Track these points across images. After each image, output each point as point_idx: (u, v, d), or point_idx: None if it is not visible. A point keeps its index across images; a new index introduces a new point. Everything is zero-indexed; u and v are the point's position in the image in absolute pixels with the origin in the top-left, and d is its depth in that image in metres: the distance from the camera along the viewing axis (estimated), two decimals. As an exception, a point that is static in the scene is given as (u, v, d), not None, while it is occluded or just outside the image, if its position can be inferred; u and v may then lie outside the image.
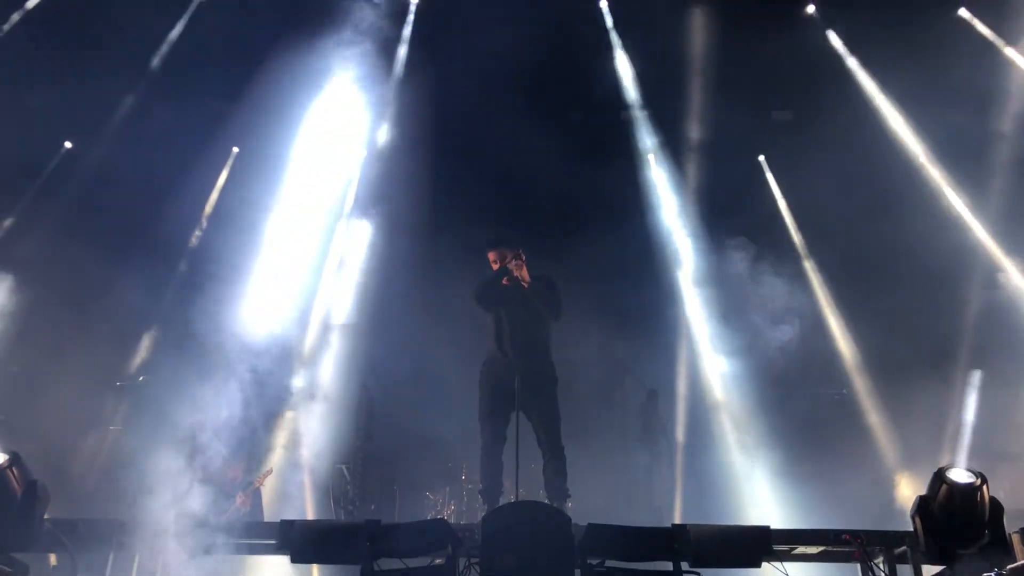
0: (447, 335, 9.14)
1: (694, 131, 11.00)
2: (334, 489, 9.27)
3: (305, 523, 5.01)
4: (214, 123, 10.42)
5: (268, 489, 8.36)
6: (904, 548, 4.99)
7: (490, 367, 6.46)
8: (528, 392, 6.15)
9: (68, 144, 11.05)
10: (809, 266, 11.72)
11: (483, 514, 5.10)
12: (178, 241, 11.07)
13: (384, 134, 10.88)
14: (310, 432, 9.24)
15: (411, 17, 11.06)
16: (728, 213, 11.02)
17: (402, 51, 10.97)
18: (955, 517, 4.50)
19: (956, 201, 10.40)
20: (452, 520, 8.82)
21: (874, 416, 10.26)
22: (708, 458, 10.01)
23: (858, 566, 5.01)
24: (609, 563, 4.71)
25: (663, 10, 10.11)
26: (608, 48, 11.43)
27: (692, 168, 11.15)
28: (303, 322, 10.19)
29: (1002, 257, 10.11)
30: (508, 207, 10.90)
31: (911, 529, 4.73)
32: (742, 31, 10.11)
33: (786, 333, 9.67)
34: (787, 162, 11.39)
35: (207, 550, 4.92)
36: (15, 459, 4.59)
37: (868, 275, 10.66)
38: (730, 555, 4.83)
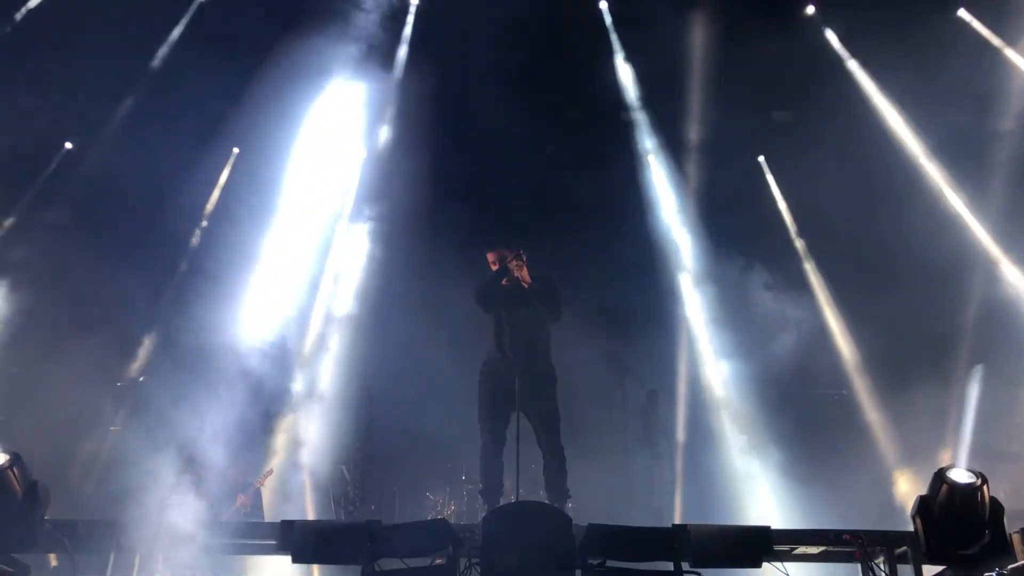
0: (447, 335, 9.14)
1: (694, 131, 11.00)
2: (334, 489, 9.26)
3: (306, 523, 5.01)
4: (214, 123, 10.42)
5: (268, 489, 8.36)
6: (905, 548, 5.00)
7: (490, 367, 6.47)
8: (528, 392, 6.16)
9: (68, 144, 11.06)
10: (809, 267, 11.73)
11: (483, 514, 5.10)
12: (178, 241, 11.07)
13: (384, 134, 10.88)
14: (310, 433, 9.24)
15: (411, 17, 11.06)
16: (728, 213, 11.02)
17: (402, 51, 10.97)
18: (955, 517, 4.50)
19: (956, 201, 10.41)
20: (453, 520, 8.82)
21: (874, 416, 10.26)
22: (708, 458, 10.01)
23: (859, 566, 5.01)
24: (610, 563, 4.71)
25: (663, 11, 10.10)
26: (608, 48, 11.43)
27: (692, 168, 11.15)
28: (303, 323, 10.20)
29: (1001, 256, 10.11)
30: (508, 208, 10.89)
31: (911, 529, 4.74)
32: (742, 31, 10.12)
33: (785, 342, 9.72)
34: (787, 162, 11.39)
35: (208, 551, 4.92)
36: (15, 460, 4.59)
37: (868, 275, 10.65)
38: (730, 555, 4.83)
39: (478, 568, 4.58)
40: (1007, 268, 10.05)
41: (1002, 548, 4.51)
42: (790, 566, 4.93)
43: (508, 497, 6.10)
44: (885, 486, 9.25)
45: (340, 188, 10.76)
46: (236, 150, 11.55)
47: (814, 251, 11.77)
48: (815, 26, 11.10)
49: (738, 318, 10.47)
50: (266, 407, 6.85)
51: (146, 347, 10.35)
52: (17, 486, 4.56)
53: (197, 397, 6.01)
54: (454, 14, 10.41)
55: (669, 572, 4.76)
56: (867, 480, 9.21)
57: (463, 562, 4.69)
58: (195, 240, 11.29)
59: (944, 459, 8.07)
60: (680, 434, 10.34)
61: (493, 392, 6.34)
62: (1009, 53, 10.06)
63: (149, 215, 10.14)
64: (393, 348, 10.00)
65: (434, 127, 10.69)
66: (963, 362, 9.40)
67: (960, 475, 4.53)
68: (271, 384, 6.65)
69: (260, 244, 9.01)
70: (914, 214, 9.96)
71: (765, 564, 4.89)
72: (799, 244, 11.87)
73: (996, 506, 4.56)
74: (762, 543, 4.85)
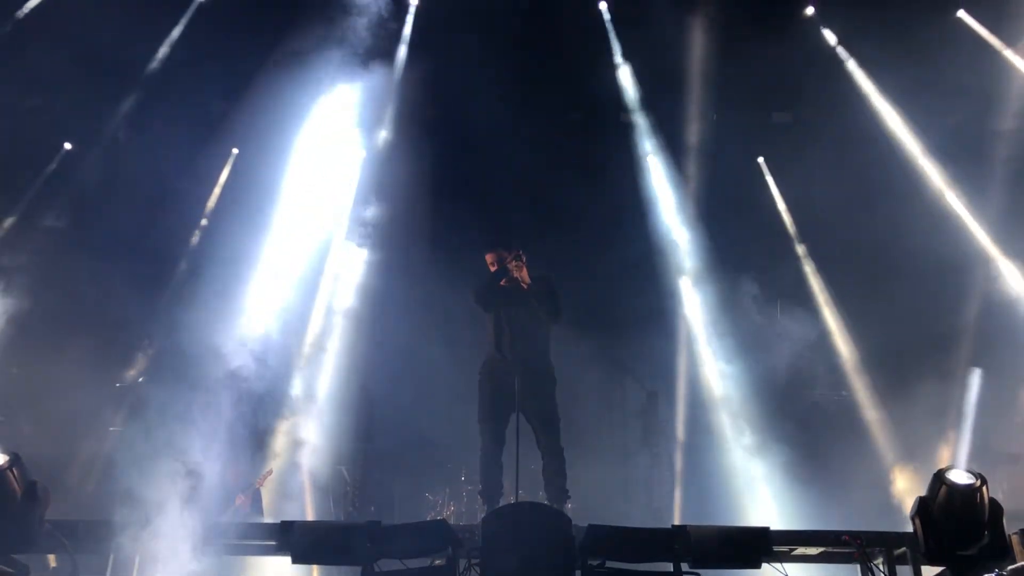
0: (447, 336, 9.15)
1: (693, 132, 11.00)
2: (334, 490, 9.27)
3: (305, 524, 5.01)
4: (214, 124, 10.43)
5: (268, 490, 8.36)
6: (904, 549, 5.00)
7: (489, 368, 6.47)
8: (527, 393, 6.16)
9: (68, 145, 11.06)
10: (808, 268, 11.74)
11: (483, 515, 5.10)
12: (179, 242, 11.08)
13: (383, 135, 10.88)
14: (310, 433, 9.24)
15: (410, 18, 11.06)
16: (727, 214, 11.02)
17: (401, 51, 10.98)
18: (955, 518, 4.50)
19: (955, 201, 10.41)
20: (452, 521, 8.82)
21: (874, 417, 10.26)
22: (708, 459, 10.01)
23: (858, 567, 5.01)
24: (609, 564, 4.72)
25: (663, 11, 10.11)
26: (608, 49, 11.44)
27: (691, 169, 11.15)
28: (302, 324, 10.20)
29: (1001, 256, 10.12)
30: (507, 208, 10.90)
31: (911, 530, 4.74)
32: (741, 32, 10.12)
33: (785, 346, 9.74)
34: (787, 164, 11.39)
35: (207, 552, 4.92)
36: (15, 460, 4.58)
37: (867, 275, 10.67)
38: (730, 556, 4.83)
39: (478, 569, 4.58)
40: (1007, 268, 10.05)
41: (1001, 549, 4.51)
42: (789, 567, 4.93)
43: (508, 498, 6.10)
44: (884, 487, 9.26)
45: (339, 189, 10.76)
46: (236, 151, 11.56)
47: (813, 252, 11.78)
48: (815, 27, 11.11)
49: (738, 319, 10.48)
50: (266, 408, 6.84)
51: (145, 348, 10.35)
52: (16, 486, 4.55)
53: (196, 398, 6.01)
54: (453, 15, 10.42)
55: (669, 573, 4.77)
56: (867, 481, 9.21)
57: (463, 563, 4.69)
58: (195, 240, 11.30)
59: (943, 457, 8.09)
60: (680, 435, 10.35)
61: (493, 393, 6.34)
62: (1008, 54, 10.06)
63: (150, 216, 10.14)
64: (393, 349, 10.01)
65: (433, 127, 10.71)
66: (962, 362, 9.40)
67: (959, 476, 4.53)
68: (271, 385, 6.65)
69: (260, 245, 9.00)
70: (913, 214, 9.96)
71: (764, 565, 4.89)
72: (798, 244, 11.89)
73: (995, 507, 4.55)
74: (761, 544, 4.85)
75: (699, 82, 10.68)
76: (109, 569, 4.92)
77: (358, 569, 4.63)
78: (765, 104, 11.42)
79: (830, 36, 11.14)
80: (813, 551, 5.27)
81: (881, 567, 4.99)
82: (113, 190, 9.95)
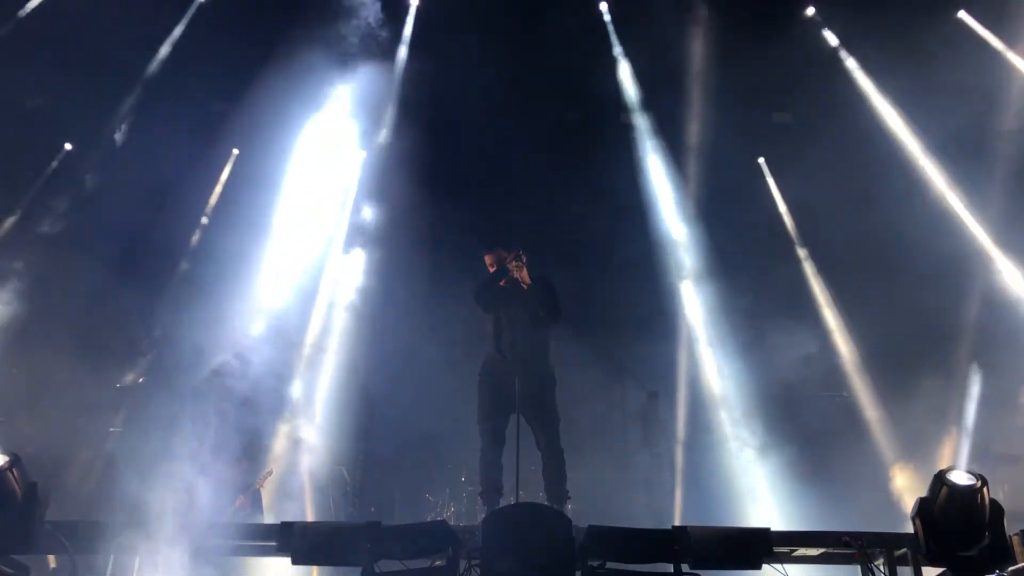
0: (447, 336, 9.14)
1: (694, 133, 11.01)
2: (334, 491, 9.26)
3: (305, 525, 5.00)
4: (214, 124, 10.43)
5: (268, 491, 8.35)
6: (904, 550, 4.99)
7: (489, 369, 6.45)
8: (527, 393, 6.15)
9: (68, 145, 11.06)
10: (808, 268, 11.74)
11: (483, 516, 5.10)
12: (179, 242, 11.08)
13: (383, 135, 10.89)
14: (310, 434, 9.24)
15: (411, 18, 11.06)
16: (728, 215, 11.02)
17: (401, 52, 10.98)
18: (955, 519, 4.50)
19: (955, 201, 10.41)
20: (452, 522, 8.82)
21: (874, 417, 10.27)
22: (708, 459, 10.01)
23: (858, 568, 5.01)
24: (610, 565, 4.71)
25: (663, 11, 10.11)
26: (608, 50, 11.44)
27: (692, 169, 11.16)
28: (302, 324, 10.20)
29: (1001, 256, 10.12)
30: (507, 209, 10.91)
31: (911, 531, 4.74)
32: (742, 33, 10.13)
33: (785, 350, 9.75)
34: (787, 164, 11.39)
35: (207, 552, 4.92)
36: (15, 461, 4.58)
37: (868, 275, 10.66)
38: (730, 557, 4.83)
39: (478, 570, 4.58)
40: (1007, 268, 10.05)
41: (1002, 550, 4.51)
42: (790, 568, 4.93)
43: (508, 499, 6.09)
44: (885, 488, 9.26)
45: (339, 189, 10.77)
46: (236, 151, 11.56)
47: (814, 252, 11.78)
48: (815, 27, 11.11)
49: (736, 325, 10.50)
50: (266, 408, 6.83)
51: (146, 348, 10.34)
52: (16, 487, 4.55)
53: (192, 399, 6.01)
54: (453, 15, 10.42)
55: (669, 574, 4.77)
56: (867, 482, 9.21)
57: (463, 564, 4.69)
58: (195, 239, 11.30)
59: (943, 456, 8.09)
60: (680, 435, 10.35)
61: (492, 393, 6.33)
62: (1009, 55, 10.06)
63: (150, 216, 10.14)
64: (393, 349, 10.01)
65: (433, 127, 10.70)
66: (963, 361, 9.41)
67: (960, 477, 4.53)
68: (271, 385, 6.65)
69: (260, 245, 9.01)
70: (913, 214, 9.97)
71: (765, 566, 4.88)
72: (798, 244, 11.89)
73: (996, 508, 4.55)
74: (762, 545, 4.85)
75: (699, 82, 10.68)
76: (109, 570, 4.91)
77: (358, 570, 4.63)
78: (765, 104, 11.42)
79: (830, 36, 11.14)
80: (814, 552, 5.26)
81: (882, 568, 4.98)
82: (113, 190, 9.94)
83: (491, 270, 6.59)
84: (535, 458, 6.40)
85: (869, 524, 5.55)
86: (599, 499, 8.87)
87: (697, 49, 10.57)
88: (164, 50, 10.66)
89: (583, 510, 7.78)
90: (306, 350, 10.25)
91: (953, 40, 10.09)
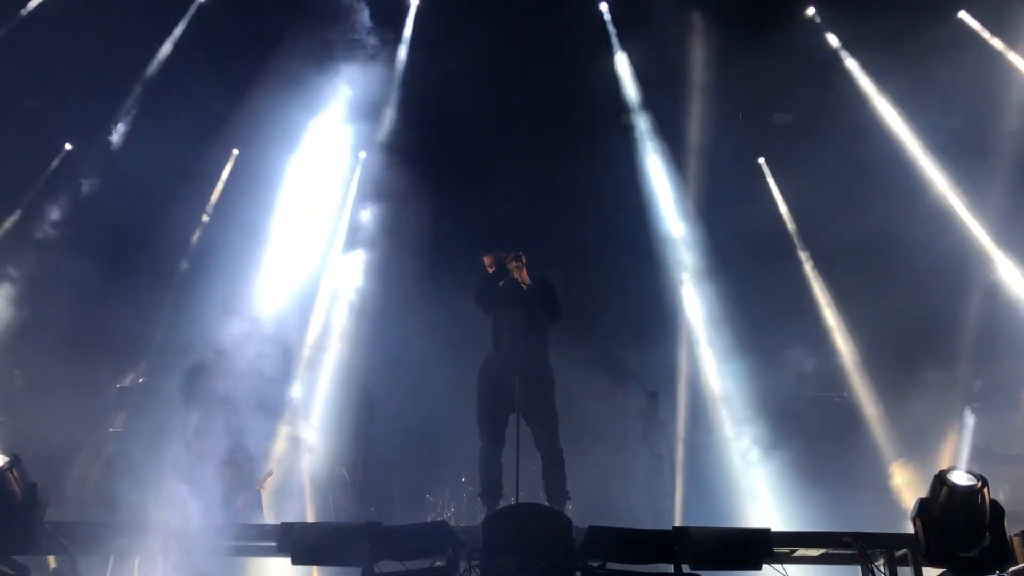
0: (447, 337, 9.14)
1: (694, 133, 11.01)
2: (334, 491, 9.26)
3: (306, 525, 5.01)
4: (215, 125, 10.43)
5: (268, 491, 8.35)
6: (905, 551, 4.99)
7: (488, 369, 6.45)
8: (526, 394, 6.14)
9: (68, 146, 11.07)
10: (809, 269, 11.74)
11: (483, 516, 5.10)
12: (179, 242, 11.09)
13: (383, 136, 10.89)
14: (310, 435, 9.24)
15: (411, 18, 11.06)
16: (728, 215, 11.03)
17: (402, 52, 10.98)
18: (956, 520, 4.50)
19: (956, 202, 10.41)
20: (453, 522, 8.82)
21: (874, 417, 10.27)
22: (709, 460, 10.01)
23: (859, 568, 5.01)
24: (610, 565, 4.71)
25: (664, 12, 10.11)
26: (608, 50, 11.44)
27: (692, 170, 11.16)
28: (303, 324, 10.20)
29: (1002, 257, 10.12)
30: (507, 209, 10.90)
31: (912, 531, 4.73)
32: (742, 33, 10.12)
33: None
34: (787, 164, 11.39)
35: (207, 553, 4.92)
36: (15, 461, 4.58)
37: (869, 276, 10.67)
38: (731, 557, 4.83)
39: (478, 570, 4.58)
40: (1008, 269, 10.05)
41: (1002, 551, 4.51)
42: (790, 568, 4.92)
43: (508, 499, 6.09)
44: (886, 488, 9.26)
45: (339, 190, 10.77)
46: (236, 151, 11.56)
47: (814, 252, 11.79)
48: (816, 28, 11.11)
49: (738, 321, 10.50)
50: (266, 409, 6.83)
51: (147, 349, 10.35)
52: (17, 488, 4.55)
53: (196, 400, 6.01)
54: (454, 16, 10.42)
55: (669, 574, 4.76)
56: (868, 482, 9.21)
57: (463, 564, 4.69)
58: (196, 239, 11.31)
59: (943, 455, 8.09)
60: (681, 435, 10.35)
61: (491, 394, 6.33)
62: (1010, 55, 10.06)
63: (150, 216, 10.14)
64: (393, 349, 10.01)
65: (433, 128, 10.71)
66: (963, 361, 9.42)
67: (960, 477, 4.53)
68: (272, 386, 6.64)
69: (260, 245, 9.01)
70: (914, 214, 9.96)
71: (765, 566, 4.88)
72: (798, 244, 11.89)
73: (996, 508, 4.55)
74: (762, 545, 4.84)
75: (699, 82, 10.68)
76: (109, 570, 4.91)
77: (358, 570, 4.63)
78: (766, 105, 11.42)
79: (831, 37, 11.14)
80: (814, 552, 5.25)
81: (882, 568, 4.98)
82: (114, 190, 9.95)
83: (490, 271, 6.58)
84: (535, 458, 6.39)
85: (869, 524, 5.55)
86: (599, 499, 8.86)
87: (697, 49, 10.56)
88: (164, 50, 10.67)
89: (583, 510, 7.77)
90: (306, 350, 10.25)
91: (953, 40, 10.09)
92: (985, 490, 4.49)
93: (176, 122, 9.90)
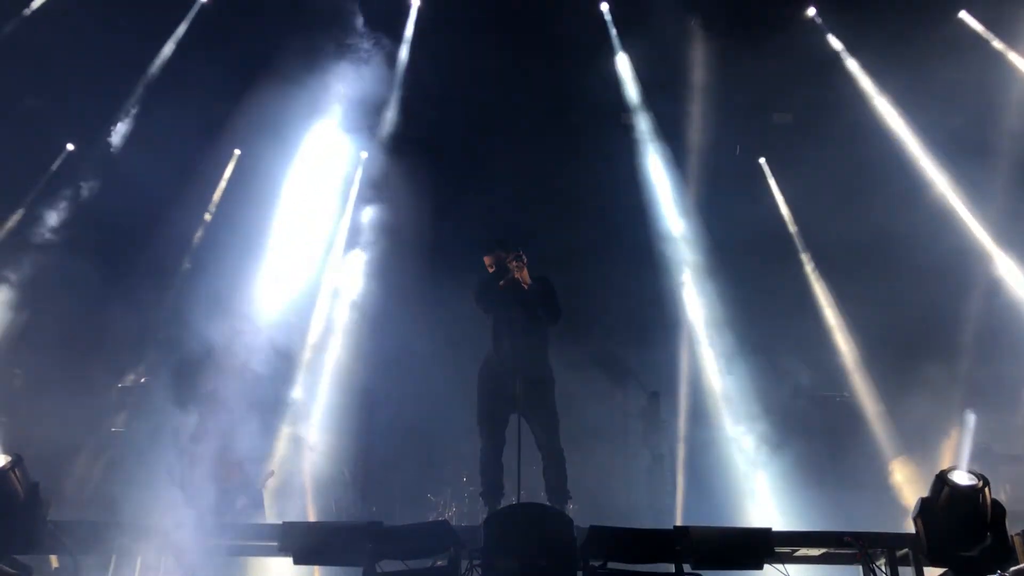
0: (448, 337, 9.14)
1: (695, 133, 11.00)
2: (335, 491, 9.26)
3: (307, 525, 5.03)
4: (216, 125, 10.44)
5: (270, 491, 8.35)
6: (906, 550, 5.00)
7: (488, 369, 6.44)
8: (526, 394, 6.14)
9: (70, 146, 11.08)
10: (810, 269, 11.74)
11: (484, 516, 5.10)
12: (181, 242, 11.09)
13: (384, 136, 10.89)
14: (311, 434, 9.24)
15: (411, 18, 11.07)
16: (729, 215, 11.03)
17: (403, 52, 10.98)
18: (957, 519, 4.50)
19: (957, 202, 10.41)
20: (454, 522, 8.82)
21: (876, 419, 10.27)
22: (710, 459, 10.01)
23: (860, 568, 5.01)
24: (611, 565, 4.72)
25: (664, 12, 10.11)
26: (609, 50, 11.44)
27: (693, 170, 11.15)
28: (304, 324, 10.20)
29: (1002, 257, 10.12)
30: (507, 209, 10.90)
31: (913, 531, 4.74)
32: (743, 33, 10.12)
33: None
34: (788, 164, 11.39)
35: (209, 552, 4.92)
36: (17, 461, 4.59)
37: (869, 275, 10.66)
38: (732, 557, 4.83)
39: (479, 570, 4.58)
40: (1008, 267, 10.05)
41: (1003, 550, 4.51)
42: (791, 568, 4.93)
43: (509, 499, 6.09)
44: (887, 488, 9.26)
45: (340, 190, 10.77)
46: (238, 151, 11.57)
47: (815, 251, 11.78)
48: (816, 28, 11.11)
49: (739, 321, 10.50)
50: (267, 410, 6.84)
51: (148, 349, 10.35)
52: (19, 487, 4.56)
53: (198, 400, 6.01)
54: (454, 16, 10.42)
55: (671, 574, 4.77)
56: (869, 482, 9.21)
57: (464, 564, 4.69)
58: (197, 238, 11.32)
59: (944, 453, 8.09)
60: (681, 435, 10.34)
61: (491, 394, 6.32)
62: (1010, 55, 10.06)
63: (152, 217, 10.15)
64: (394, 349, 10.01)
65: (433, 128, 10.71)
66: (964, 361, 9.42)
67: (961, 477, 4.54)
68: (272, 386, 6.65)
69: (261, 246, 9.01)
70: (915, 214, 9.96)
71: (766, 566, 4.89)
72: (799, 244, 11.89)
73: (998, 508, 4.56)
74: (763, 545, 4.85)
75: (700, 82, 10.67)
76: (111, 570, 4.92)
77: (360, 570, 4.64)
78: (766, 105, 11.42)
79: (831, 37, 11.14)
80: (815, 552, 5.26)
81: (883, 568, 4.98)
82: (115, 190, 9.95)
83: (490, 271, 6.58)
84: (536, 458, 6.40)
85: (871, 524, 5.55)
86: (600, 499, 8.86)
87: (698, 49, 10.56)
88: (167, 50, 10.68)
89: (584, 510, 7.77)
90: (307, 351, 10.25)
91: (954, 40, 10.09)
92: (986, 490, 4.49)
93: (178, 122, 9.91)
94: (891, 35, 9.99)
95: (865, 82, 10.95)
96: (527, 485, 6.43)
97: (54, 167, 10.94)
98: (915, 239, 9.55)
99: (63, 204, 10.44)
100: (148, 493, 5.40)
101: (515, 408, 6.10)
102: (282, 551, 4.87)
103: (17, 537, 4.56)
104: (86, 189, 10.45)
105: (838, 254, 11.10)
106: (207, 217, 11.45)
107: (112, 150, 10.52)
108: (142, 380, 9.94)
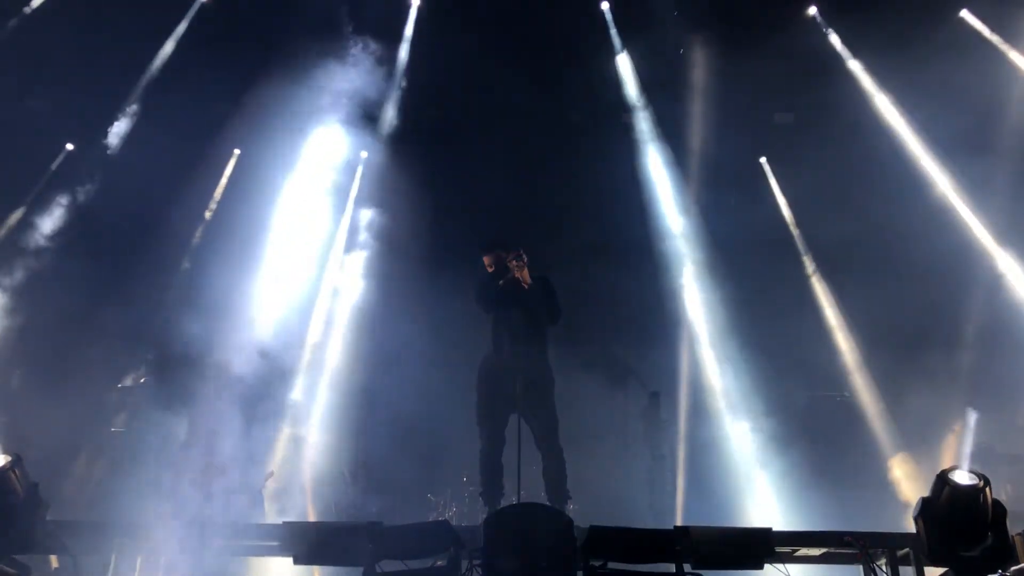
0: (447, 337, 9.14)
1: (696, 133, 11.00)
2: (336, 491, 9.26)
3: (307, 525, 5.02)
4: (216, 125, 10.44)
5: (270, 491, 8.36)
6: (907, 550, 4.99)
7: (488, 369, 6.43)
8: (526, 394, 6.13)
9: (70, 146, 11.07)
10: (811, 267, 11.73)
11: (484, 516, 5.10)
12: (181, 242, 11.09)
13: (384, 136, 10.89)
14: (311, 435, 9.24)
15: (411, 18, 11.06)
16: (729, 214, 11.02)
17: (403, 52, 10.98)
18: (958, 519, 4.49)
19: (958, 201, 10.41)
20: (454, 522, 8.81)
21: (876, 419, 10.26)
22: (710, 459, 10.00)
23: (861, 568, 5.00)
24: (611, 565, 4.71)
25: (665, 12, 10.11)
26: (610, 50, 11.44)
27: (694, 170, 11.15)
28: (304, 324, 10.20)
29: (1004, 256, 10.11)
30: (508, 210, 10.90)
31: (914, 531, 4.73)
32: (743, 33, 10.12)
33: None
34: (789, 164, 11.38)
35: (209, 553, 4.92)
36: (17, 461, 4.58)
37: (871, 275, 10.65)
38: (732, 557, 4.83)
39: (479, 570, 4.58)
40: (1010, 266, 10.05)
41: (1004, 550, 4.50)
42: (792, 568, 4.92)
43: (509, 499, 6.08)
44: (887, 487, 9.26)
45: (340, 190, 10.75)
46: (237, 151, 11.57)
47: (815, 251, 11.78)
48: (817, 27, 11.10)
49: (739, 321, 10.49)
50: (267, 410, 6.83)
51: (148, 349, 10.35)
52: (18, 487, 4.56)
53: (197, 400, 6.01)
54: (455, 16, 10.42)
55: (671, 574, 4.76)
56: (869, 481, 9.21)
57: (464, 564, 4.69)
58: (197, 238, 11.31)
59: (945, 453, 8.08)
60: (682, 435, 10.33)
61: (491, 394, 6.31)
62: (1011, 54, 10.05)
63: (152, 217, 10.15)
64: (394, 349, 10.00)
65: (434, 128, 10.71)
66: (965, 360, 9.42)
67: (962, 477, 4.53)
68: (273, 387, 6.65)
69: (261, 247, 9.00)
70: (916, 213, 9.96)
71: (767, 566, 4.88)
72: (800, 243, 11.89)
73: (998, 508, 4.55)
74: (764, 545, 4.85)
75: (700, 82, 10.67)
76: (111, 570, 4.91)
77: (360, 570, 4.63)
78: (767, 105, 11.41)
79: (832, 36, 11.13)
80: (815, 552, 5.25)
81: (884, 568, 4.98)
82: (116, 191, 9.95)
83: (490, 271, 6.57)
84: (536, 458, 6.39)
85: (871, 524, 5.55)
86: (601, 499, 8.84)
87: (698, 49, 10.56)
88: (167, 49, 10.68)
89: (584, 510, 7.75)
90: (307, 351, 10.25)
91: (954, 39, 10.08)
92: (987, 489, 4.48)
93: (177, 122, 9.91)
94: (892, 34, 9.98)
95: (866, 81, 10.95)
96: (527, 485, 6.42)
97: (54, 167, 10.93)
98: (916, 238, 9.54)
99: (63, 204, 10.43)
100: (148, 493, 5.38)
101: (515, 408, 6.09)
102: (282, 551, 4.86)
103: (16, 537, 4.55)
104: (86, 189, 10.44)
105: (839, 253, 11.09)
106: (208, 214, 11.44)
107: (112, 150, 10.51)
108: (142, 380, 9.94)
